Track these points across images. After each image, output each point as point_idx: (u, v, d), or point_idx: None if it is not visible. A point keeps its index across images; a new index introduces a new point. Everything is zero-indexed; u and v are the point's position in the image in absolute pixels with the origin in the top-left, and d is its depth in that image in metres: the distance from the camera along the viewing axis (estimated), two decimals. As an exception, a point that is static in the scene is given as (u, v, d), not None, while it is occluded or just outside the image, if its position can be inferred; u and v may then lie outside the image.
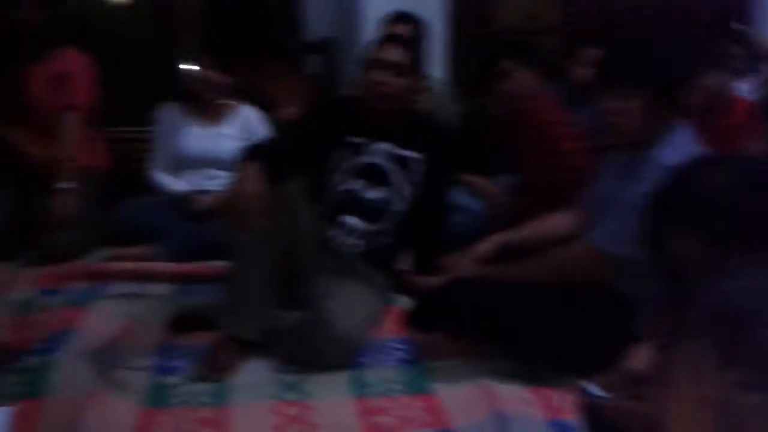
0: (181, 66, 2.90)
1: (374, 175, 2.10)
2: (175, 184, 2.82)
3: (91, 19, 3.56)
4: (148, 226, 2.70)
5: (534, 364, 1.75)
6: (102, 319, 2.11)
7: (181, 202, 2.75)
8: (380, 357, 1.89)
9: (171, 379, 1.80)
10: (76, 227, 2.64)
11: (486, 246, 1.97)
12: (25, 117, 2.75)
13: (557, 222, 1.95)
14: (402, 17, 3.00)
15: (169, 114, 2.89)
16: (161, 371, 1.83)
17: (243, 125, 2.88)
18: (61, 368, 1.78)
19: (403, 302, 2.13)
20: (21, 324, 2.10)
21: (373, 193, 2.10)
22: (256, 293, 1.87)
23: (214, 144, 2.83)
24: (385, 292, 2.07)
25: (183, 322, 2.07)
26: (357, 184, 2.10)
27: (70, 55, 2.79)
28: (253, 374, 1.82)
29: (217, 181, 2.83)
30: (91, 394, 1.68)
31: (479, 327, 1.76)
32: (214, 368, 1.80)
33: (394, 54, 2.09)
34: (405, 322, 2.01)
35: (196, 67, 2.83)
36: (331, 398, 1.71)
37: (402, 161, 2.11)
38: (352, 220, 2.08)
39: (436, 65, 3.28)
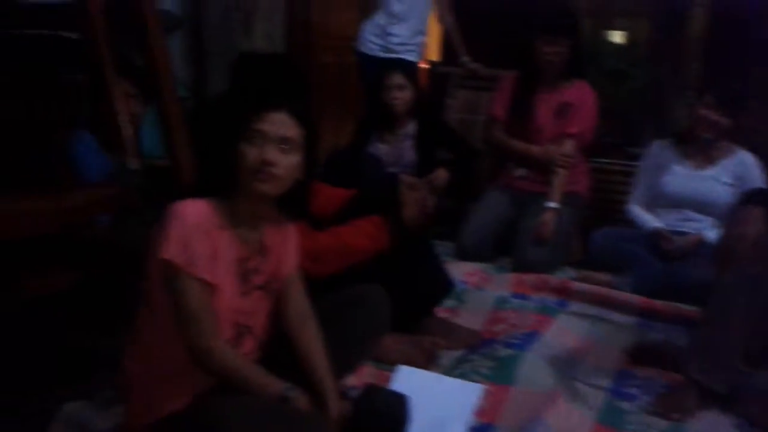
0: (681, 104, 2.87)
1: None
2: (651, 220, 2.81)
3: (597, 56, 3.78)
4: (616, 255, 2.75)
5: None
6: (564, 331, 2.25)
7: (655, 238, 2.73)
8: None
9: (625, 405, 1.82)
10: (552, 244, 2.85)
11: None
12: (528, 138, 3.03)
13: None
14: None
15: (658, 151, 2.89)
16: (616, 395, 1.87)
17: (736, 171, 2.71)
18: (526, 363, 1.97)
19: None
20: (494, 318, 2.37)
21: None
22: (732, 343, 1.76)
23: (700, 186, 2.74)
24: None
25: (641, 354, 2.08)
26: None
27: (579, 88, 2.98)
28: (713, 426, 1.73)
29: (692, 223, 2.74)
30: (550, 395, 1.82)
31: None
32: (672, 407, 1.77)
33: None
34: None
35: (698, 106, 2.77)
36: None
37: None
38: None
39: None
